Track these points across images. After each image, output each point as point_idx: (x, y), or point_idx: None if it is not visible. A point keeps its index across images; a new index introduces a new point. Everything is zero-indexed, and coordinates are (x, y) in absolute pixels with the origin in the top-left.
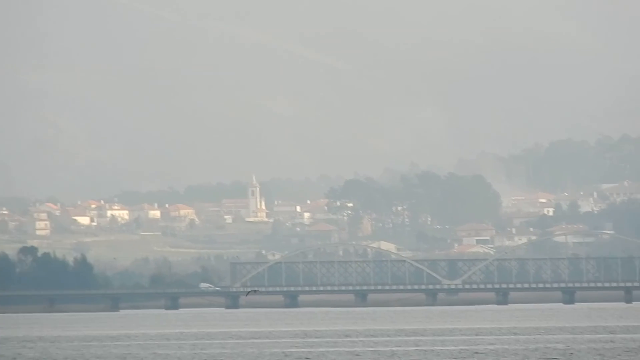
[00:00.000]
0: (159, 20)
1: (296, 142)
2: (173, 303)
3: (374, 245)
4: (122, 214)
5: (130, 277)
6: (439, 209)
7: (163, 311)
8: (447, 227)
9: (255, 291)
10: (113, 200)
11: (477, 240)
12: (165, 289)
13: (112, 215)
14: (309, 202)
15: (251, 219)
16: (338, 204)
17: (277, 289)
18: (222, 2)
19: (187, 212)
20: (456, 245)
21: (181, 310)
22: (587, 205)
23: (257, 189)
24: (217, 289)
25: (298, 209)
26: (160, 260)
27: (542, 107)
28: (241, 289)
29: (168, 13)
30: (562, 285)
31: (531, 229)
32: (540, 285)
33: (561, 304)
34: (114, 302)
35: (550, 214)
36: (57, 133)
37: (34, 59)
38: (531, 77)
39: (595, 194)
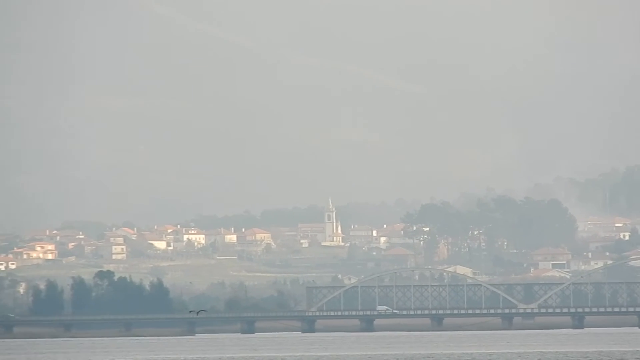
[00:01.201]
0: (236, 48)
1: (372, 167)
2: (249, 327)
3: (450, 269)
4: (198, 238)
5: (207, 301)
6: (515, 233)
7: (239, 335)
8: (523, 251)
9: (204, 311)
10: (189, 225)
11: (552, 264)
12: (241, 313)
13: (188, 239)
14: (385, 226)
15: (327, 243)
16: (414, 228)
17: (354, 313)
18: (301, 31)
19: (263, 237)
20: (532, 269)
21: (257, 334)
22: None
23: (334, 213)
24: (395, 311)
25: (374, 233)
26: (236, 285)
27: (618, 132)
28: (317, 313)
29: (246, 40)
30: (638, 309)
31: (607, 253)
32: (616, 309)
33: (637, 328)
34: (190, 326)
35: (627, 238)
36: (134, 158)
37: (105, 84)
38: (607, 101)
39: None
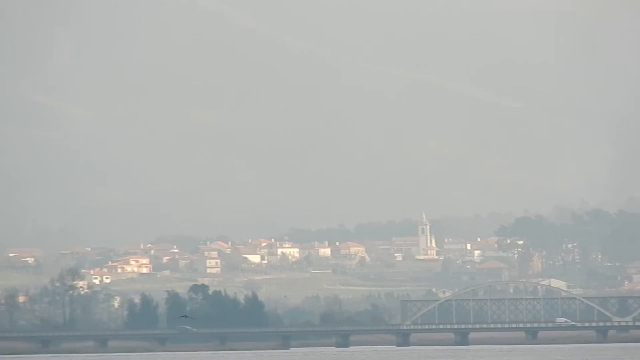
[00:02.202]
0: (318, 61)
1: (466, 180)
2: (344, 341)
3: (544, 282)
4: (292, 252)
5: (301, 315)
6: (609, 246)
7: (334, 349)
8: (617, 264)
9: (186, 316)
10: (284, 239)
11: None
12: (336, 327)
13: (282, 253)
14: (479, 239)
15: (421, 257)
16: (508, 241)
17: (448, 326)
18: (385, 42)
19: (357, 250)
20: (626, 282)
21: (352, 347)
22: None
23: (428, 226)
24: (573, 323)
25: (468, 246)
26: (331, 298)
27: None
28: (412, 327)
29: (328, 52)
30: None
31: None
32: None
33: None
34: (285, 340)
35: None
36: (229, 172)
37: (196, 98)
38: None
39: None
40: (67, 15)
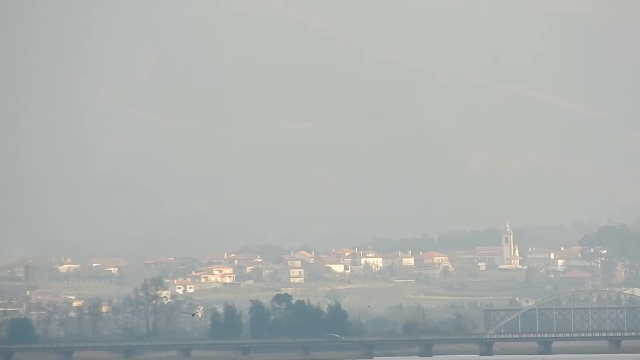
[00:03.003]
0: (411, 72)
1: (549, 189)
2: (427, 350)
3: (628, 292)
4: (376, 261)
5: (384, 324)
6: None
7: (417, 358)
8: None
9: (192, 314)
10: (367, 248)
11: None
12: (419, 336)
13: (366, 262)
14: (562, 249)
15: (505, 266)
16: (592, 250)
17: (531, 335)
18: (476, 54)
19: (441, 260)
20: None
21: (435, 357)
22: None
23: (511, 236)
24: None
25: (552, 255)
26: (414, 308)
27: None
28: (495, 336)
29: (420, 63)
30: None
31: None
32: None
33: None
34: (368, 349)
35: None
36: (312, 182)
37: (280, 109)
38: None
39: None
40: (148, 28)
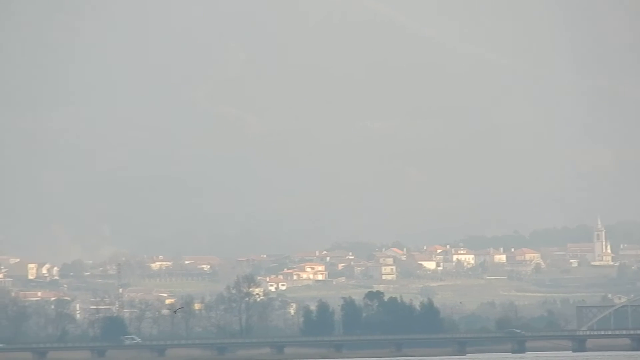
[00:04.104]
0: (503, 69)
1: None
2: (520, 347)
3: None
4: (467, 258)
5: (477, 321)
6: None
7: (510, 355)
8: None
9: (181, 308)
10: (459, 245)
11: None
12: (512, 333)
13: (457, 259)
14: None
15: (597, 263)
16: None
17: (624, 332)
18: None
19: (532, 257)
20: None
21: (528, 353)
22: None
23: (603, 232)
24: None
25: None
26: (506, 304)
27: None
28: (588, 333)
29: (515, 61)
30: None
31: None
32: None
33: None
34: (461, 346)
35: None
36: (403, 179)
37: (374, 105)
38: None
39: None
40: (240, 26)
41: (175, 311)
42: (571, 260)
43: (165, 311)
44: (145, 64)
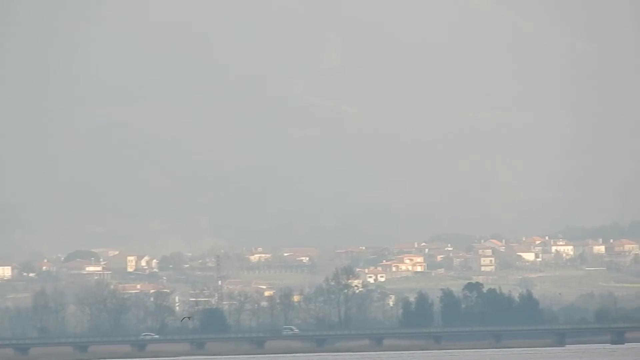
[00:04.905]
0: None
1: None
2: (619, 338)
3: None
4: (566, 249)
5: (576, 312)
6: None
7: (609, 346)
8: None
9: (188, 318)
10: (557, 236)
11: None
12: (611, 324)
13: (556, 250)
14: None
15: None
16: None
17: None
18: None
19: (632, 247)
20: None
21: (627, 345)
22: None
23: None
24: None
25: None
26: (606, 295)
27: None
28: None
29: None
30: None
31: None
32: None
33: None
34: (560, 337)
35: None
36: (500, 170)
37: (475, 97)
38: None
39: None
40: (337, 19)
41: (182, 319)
42: None
43: (264, 303)
44: (246, 58)
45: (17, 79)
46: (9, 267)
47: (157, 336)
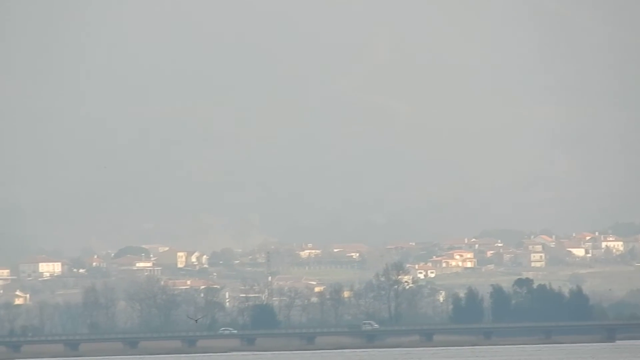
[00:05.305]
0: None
1: None
2: None
3: None
4: (616, 245)
5: (626, 308)
6: None
7: None
8: None
9: (196, 320)
10: (607, 232)
11: None
12: None
13: (606, 246)
14: None
15: None
16: None
17: None
18: None
19: None
20: None
21: None
22: None
23: None
24: None
25: None
26: None
27: None
28: None
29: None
30: None
31: None
32: None
33: None
34: (610, 333)
35: None
36: (551, 166)
37: (536, 91)
38: None
39: None
40: (385, 13)
41: (196, 320)
42: None
43: (314, 299)
44: (293, 54)
45: (56, 75)
46: (59, 263)
47: (235, 331)
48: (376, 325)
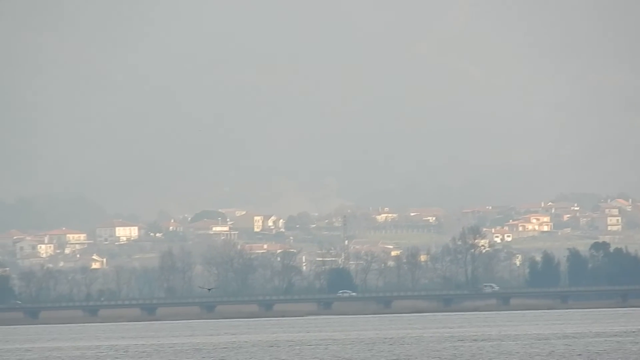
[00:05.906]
0: None
1: None
2: None
3: None
4: None
5: None
6: None
7: None
8: None
9: (210, 289)
10: None
11: None
12: None
13: None
14: None
15: None
16: None
17: None
18: None
19: None
20: None
21: None
22: None
23: None
24: None
25: None
26: None
27: None
28: None
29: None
30: None
31: None
32: None
33: None
34: None
35: None
36: (628, 131)
37: (608, 57)
38: None
39: None
40: None
41: (209, 290)
42: None
43: (391, 263)
44: (371, 19)
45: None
46: (136, 227)
47: (497, 287)
48: (496, 288)
